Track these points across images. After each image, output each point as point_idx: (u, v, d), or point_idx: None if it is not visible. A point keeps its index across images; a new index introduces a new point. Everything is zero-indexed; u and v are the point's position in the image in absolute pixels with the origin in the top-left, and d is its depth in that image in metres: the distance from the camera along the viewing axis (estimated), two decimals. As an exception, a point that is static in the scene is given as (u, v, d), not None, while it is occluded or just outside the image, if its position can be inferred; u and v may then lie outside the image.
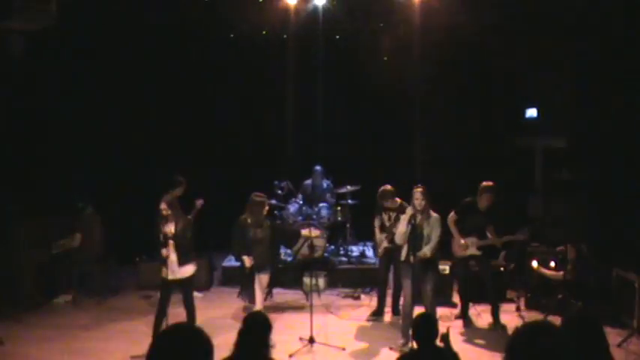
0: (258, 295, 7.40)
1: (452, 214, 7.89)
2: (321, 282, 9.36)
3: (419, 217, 6.98)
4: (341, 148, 11.21)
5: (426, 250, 7.05)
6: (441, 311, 7.80)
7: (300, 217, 9.98)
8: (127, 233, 9.64)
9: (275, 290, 9.04)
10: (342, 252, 10.32)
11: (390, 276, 8.35)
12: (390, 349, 7.10)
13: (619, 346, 6.97)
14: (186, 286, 7.03)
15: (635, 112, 8.88)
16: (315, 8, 10.77)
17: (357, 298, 9.15)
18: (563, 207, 7.70)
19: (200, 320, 7.03)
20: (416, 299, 7.03)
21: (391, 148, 11.00)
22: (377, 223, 8.16)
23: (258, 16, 10.46)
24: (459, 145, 11.06)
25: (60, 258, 8.96)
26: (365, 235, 10.22)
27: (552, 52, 9.93)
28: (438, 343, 4.50)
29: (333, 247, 10.41)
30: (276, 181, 10.19)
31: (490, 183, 7.82)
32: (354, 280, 9.61)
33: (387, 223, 8.01)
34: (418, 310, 5.95)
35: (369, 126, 11.31)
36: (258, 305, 7.33)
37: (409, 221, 6.91)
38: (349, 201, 10.24)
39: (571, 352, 2.51)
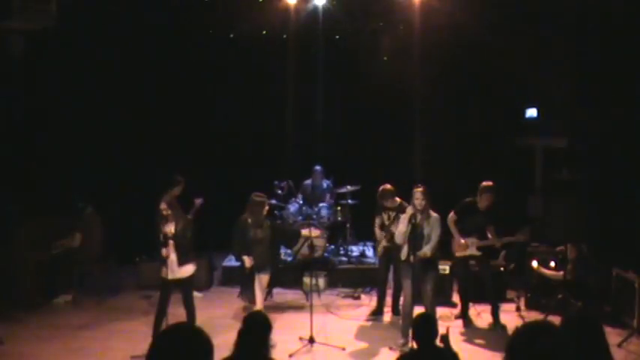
0: (258, 295, 7.41)
1: (452, 214, 7.90)
2: (321, 282, 9.36)
3: (419, 217, 6.98)
4: (341, 148, 11.21)
5: (426, 250, 7.05)
6: (441, 311, 7.80)
7: (300, 217, 9.98)
8: (127, 233, 9.64)
9: (275, 290, 9.04)
10: (342, 252, 10.32)
11: (390, 276, 8.36)
12: (390, 348, 7.10)
13: (619, 346, 6.97)
14: (186, 286, 7.04)
15: (635, 112, 8.88)
16: (315, 8, 10.76)
17: (357, 297, 9.16)
18: (563, 207, 7.68)
19: (200, 320, 7.02)
20: (416, 299, 7.03)
21: (391, 148, 10.99)
22: (377, 222, 8.17)
23: (258, 16, 10.45)
24: (459, 145, 11.06)
25: (60, 258, 8.95)
26: (365, 235, 10.22)
27: (552, 52, 9.93)
28: (438, 343, 4.50)
29: (333, 247, 10.40)
30: (276, 181, 10.18)
31: (490, 183, 7.82)
32: (354, 280, 9.62)
33: (387, 223, 8.02)
34: (418, 310, 5.96)
35: (369, 126, 11.31)
36: (258, 305, 7.33)
37: (409, 221, 6.92)
38: (349, 201, 10.24)
39: (571, 352, 2.51)
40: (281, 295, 9.17)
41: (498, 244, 8.02)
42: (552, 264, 8.49)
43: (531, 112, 10.89)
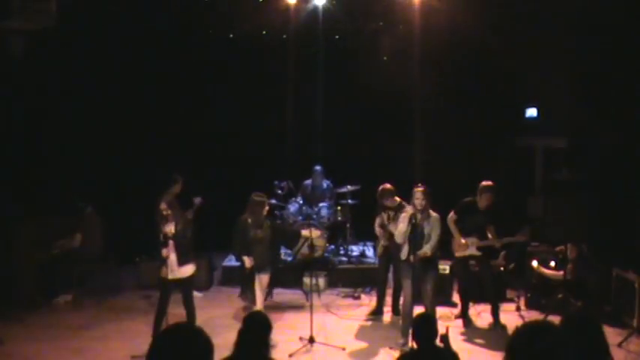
0: (259, 295, 7.41)
1: (452, 214, 7.90)
2: (321, 282, 9.36)
3: (419, 217, 6.99)
4: (341, 148, 11.20)
5: (427, 249, 7.06)
6: (441, 311, 7.79)
7: (300, 217, 9.98)
8: (127, 233, 9.64)
9: (275, 290, 9.04)
10: (342, 252, 10.32)
11: (390, 276, 8.37)
12: (390, 348, 7.10)
13: (619, 346, 6.97)
14: (185, 286, 7.04)
15: (635, 112, 8.89)
16: (315, 8, 10.76)
17: (357, 297, 9.15)
18: (563, 207, 7.68)
19: (200, 320, 7.03)
20: (416, 299, 7.03)
21: (391, 148, 10.99)
22: (377, 221, 8.17)
23: (258, 16, 10.45)
24: (459, 145, 11.05)
25: (60, 258, 8.95)
26: (365, 235, 10.22)
27: (552, 52, 9.93)
28: (438, 342, 4.50)
29: (333, 247, 10.41)
30: (276, 181, 10.19)
31: (490, 183, 7.82)
32: (354, 280, 9.61)
33: (387, 222, 8.02)
34: (418, 310, 5.96)
35: (369, 126, 11.31)
36: (259, 305, 7.33)
37: (410, 221, 6.92)
38: (349, 201, 10.24)
39: (571, 352, 2.51)
40: (281, 295, 9.16)
41: (498, 245, 8.02)
42: (552, 264, 8.49)
43: (531, 112, 10.89)
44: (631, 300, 7.54)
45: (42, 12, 8.26)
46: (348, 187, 10.17)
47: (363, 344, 7.41)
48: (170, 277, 6.79)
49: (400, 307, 7.74)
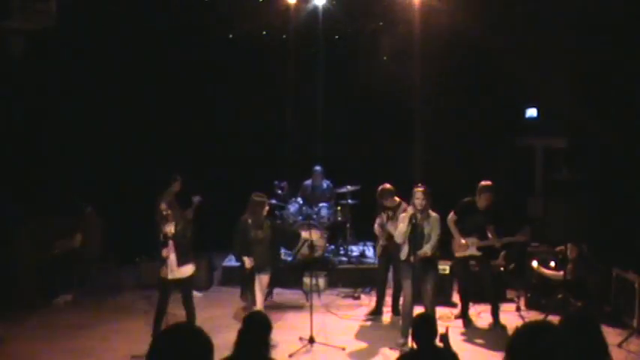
0: (259, 296, 7.41)
1: (451, 214, 7.90)
2: (321, 282, 9.36)
3: (419, 217, 6.99)
4: (341, 148, 11.20)
5: (427, 249, 7.06)
6: (440, 311, 7.80)
7: (300, 217, 9.98)
8: (127, 233, 9.64)
9: (275, 290, 9.04)
10: (342, 252, 10.32)
11: (390, 276, 8.36)
12: (390, 348, 7.10)
13: (619, 346, 6.97)
14: (185, 286, 7.04)
15: (635, 112, 8.88)
16: (315, 8, 10.76)
17: (357, 298, 9.15)
18: (563, 207, 7.68)
19: (200, 320, 7.03)
20: (416, 299, 7.03)
21: (391, 148, 10.99)
22: (378, 221, 8.17)
23: (258, 16, 10.45)
24: (459, 145, 11.06)
25: (60, 258, 8.95)
26: (365, 235, 10.22)
27: (552, 52, 9.93)
28: (438, 342, 4.50)
29: (333, 247, 10.41)
30: (276, 181, 10.19)
31: (488, 182, 7.82)
32: (354, 280, 9.61)
33: (386, 222, 8.02)
34: (418, 310, 5.96)
35: (369, 126, 11.31)
36: (259, 305, 7.33)
37: (410, 221, 6.92)
38: (349, 201, 10.24)
39: (571, 352, 2.51)
40: (281, 295, 9.16)
41: (498, 244, 8.02)
42: (552, 264, 8.49)
43: (531, 112, 10.90)
44: (631, 300, 7.54)
45: (42, 12, 8.27)
46: (348, 187, 10.17)
47: (363, 344, 7.41)
48: (170, 277, 6.80)
49: (400, 308, 7.74)
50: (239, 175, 10.62)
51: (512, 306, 8.53)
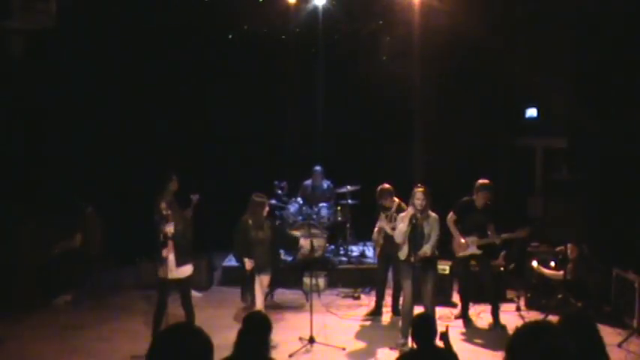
0: (259, 296, 7.40)
1: (451, 214, 7.90)
2: (321, 282, 9.36)
3: (419, 217, 6.99)
4: (341, 148, 11.20)
5: (427, 249, 7.06)
6: (440, 311, 7.80)
7: (300, 217, 9.98)
8: (127, 233, 9.63)
9: (275, 290, 9.04)
10: (342, 252, 10.32)
11: (390, 276, 8.36)
12: (390, 348, 7.10)
13: (619, 346, 6.97)
14: (184, 286, 7.04)
15: (635, 112, 8.88)
16: (315, 8, 10.76)
17: (357, 298, 9.15)
18: (563, 207, 7.69)
19: (200, 320, 7.01)
20: (416, 299, 7.03)
21: (391, 148, 10.99)
22: (376, 229, 8.18)
23: (258, 16, 10.45)
24: (459, 145, 11.05)
25: (60, 258, 8.95)
26: (365, 235, 10.22)
27: (552, 52, 9.93)
28: (438, 341, 4.51)
29: (333, 247, 10.41)
30: (276, 181, 10.19)
31: (486, 181, 7.82)
32: (354, 280, 9.62)
33: (384, 222, 8.02)
34: (418, 310, 5.96)
35: (369, 126, 11.31)
36: (259, 306, 7.33)
37: (410, 221, 6.92)
38: (349, 201, 10.24)
39: (571, 352, 2.51)
40: (281, 295, 9.16)
41: (498, 241, 8.00)
42: (552, 264, 8.49)
43: (531, 112, 10.89)
44: (631, 300, 7.54)
45: (42, 12, 8.27)
46: (348, 187, 10.17)
47: (363, 344, 7.41)
48: (169, 277, 6.79)
49: (400, 308, 7.74)
50: (239, 175, 10.61)
51: (512, 306, 8.53)
